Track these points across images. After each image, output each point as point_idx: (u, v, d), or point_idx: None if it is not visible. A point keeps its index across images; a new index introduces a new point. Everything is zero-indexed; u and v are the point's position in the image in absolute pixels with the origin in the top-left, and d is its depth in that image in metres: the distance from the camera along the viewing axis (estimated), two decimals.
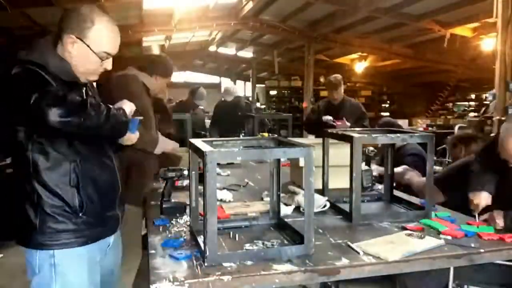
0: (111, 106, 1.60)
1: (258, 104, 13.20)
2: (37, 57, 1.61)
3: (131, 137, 1.78)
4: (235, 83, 17.55)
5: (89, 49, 1.64)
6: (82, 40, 1.63)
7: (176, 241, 1.71)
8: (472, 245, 1.70)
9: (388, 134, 2.23)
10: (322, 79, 14.36)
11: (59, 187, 1.59)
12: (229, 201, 2.35)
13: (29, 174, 1.58)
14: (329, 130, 2.35)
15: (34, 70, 1.55)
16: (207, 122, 6.47)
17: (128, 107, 1.69)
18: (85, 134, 1.57)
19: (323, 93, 13.55)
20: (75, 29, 1.62)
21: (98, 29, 1.64)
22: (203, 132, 5.20)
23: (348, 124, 4.54)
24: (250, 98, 13.98)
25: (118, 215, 1.79)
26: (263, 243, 1.67)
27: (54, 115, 1.42)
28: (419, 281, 2.14)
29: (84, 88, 1.72)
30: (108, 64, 1.72)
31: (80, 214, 1.61)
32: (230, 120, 5.69)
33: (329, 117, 4.64)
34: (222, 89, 6.40)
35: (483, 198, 2.13)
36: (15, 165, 1.65)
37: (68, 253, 1.61)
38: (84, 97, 1.67)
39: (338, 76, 4.96)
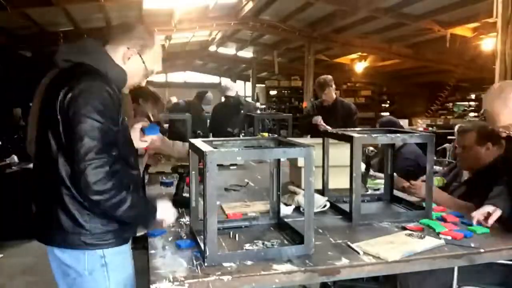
0: (150, 206, 1.68)
1: (258, 104, 13.18)
2: (96, 63, 1.64)
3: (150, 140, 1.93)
4: (235, 83, 17.55)
5: (144, 65, 1.76)
6: (141, 56, 1.74)
7: (189, 242, 1.71)
8: (472, 245, 1.70)
9: (388, 134, 2.23)
10: None
11: None
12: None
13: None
14: (329, 130, 2.35)
15: (97, 74, 1.59)
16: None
17: (165, 217, 1.75)
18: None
19: None
20: (137, 45, 1.73)
21: (155, 50, 1.79)
22: (201, 133, 5.16)
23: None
24: (250, 98, 13.97)
25: None
26: (263, 243, 1.67)
27: (96, 185, 1.46)
28: (422, 282, 2.12)
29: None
30: (145, 81, 1.85)
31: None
32: (231, 121, 5.58)
33: (319, 117, 4.54)
34: (222, 87, 6.22)
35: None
36: (57, 170, 1.58)
37: (115, 252, 1.66)
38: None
39: (327, 77, 4.78)
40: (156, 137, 1.95)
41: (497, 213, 1.90)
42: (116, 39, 1.73)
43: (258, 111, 6.17)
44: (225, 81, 6.33)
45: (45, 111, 1.61)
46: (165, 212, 1.75)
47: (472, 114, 11.55)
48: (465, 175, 2.69)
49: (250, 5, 8.71)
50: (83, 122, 1.48)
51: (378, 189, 2.63)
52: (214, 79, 18.49)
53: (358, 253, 1.60)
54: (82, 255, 1.61)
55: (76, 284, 1.65)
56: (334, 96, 4.79)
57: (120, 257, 1.69)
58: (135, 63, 1.74)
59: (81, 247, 1.60)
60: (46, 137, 1.58)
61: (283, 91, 15.68)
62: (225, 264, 1.49)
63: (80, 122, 1.48)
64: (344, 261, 1.54)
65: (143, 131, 1.96)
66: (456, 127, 2.89)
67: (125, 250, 1.72)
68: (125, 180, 1.58)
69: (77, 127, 1.48)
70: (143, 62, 1.75)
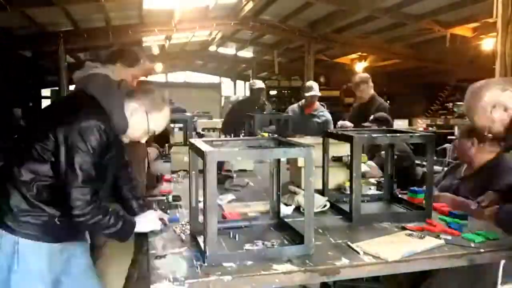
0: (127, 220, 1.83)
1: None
2: (106, 102, 1.82)
3: None
4: (235, 83, 17.56)
5: (147, 124, 1.90)
6: (147, 115, 1.90)
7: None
8: (472, 245, 1.70)
9: (388, 134, 2.23)
10: (322, 79, 14.35)
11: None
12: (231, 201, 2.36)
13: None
14: (329, 130, 2.34)
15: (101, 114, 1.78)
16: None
17: (147, 227, 1.88)
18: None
19: (323, 93, 13.54)
20: (148, 105, 1.90)
21: (162, 114, 1.94)
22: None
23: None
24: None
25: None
26: (263, 243, 1.67)
27: (77, 209, 1.68)
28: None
29: None
30: (144, 139, 2.01)
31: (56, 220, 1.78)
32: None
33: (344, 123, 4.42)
34: (250, 82, 6.07)
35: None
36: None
37: (30, 245, 1.76)
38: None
39: (361, 75, 4.66)
40: None
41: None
42: (136, 94, 1.90)
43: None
44: (254, 80, 6.07)
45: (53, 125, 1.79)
46: (147, 225, 1.87)
47: None
48: (461, 172, 2.70)
49: (250, 5, 8.70)
50: (77, 154, 1.70)
51: (375, 184, 2.65)
52: (214, 79, 18.49)
53: (358, 253, 1.60)
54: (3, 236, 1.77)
55: None
56: (370, 93, 4.57)
57: (34, 254, 1.77)
58: (139, 119, 1.89)
59: (4, 228, 1.76)
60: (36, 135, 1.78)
61: (283, 91, 15.69)
62: (225, 264, 1.49)
63: (76, 153, 1.70)
64: (344, 261, 1.54)
65: None
66: (457, 127, 2.94)
67: (44, 250, 1.79)
68: (105, 206, 1.77)
69: (71, 156, 1.70)
70: (147, 122, 1.89)
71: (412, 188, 2.32)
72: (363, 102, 4.64)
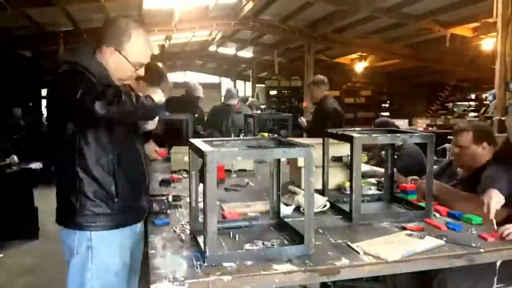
0: (140, 94, 1.74)
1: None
2: (79, 60, 1.78)
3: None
4: (235, 83, 17.55)
5: (126, 60, 1.82)
6: (119, 52, 1.81)
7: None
8: (473, 245, 1.70)
9: (388, 134, 2.23)
10: None
11: (99, 175, 1.76)
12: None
13: (74, 163, 1.74)
14: (329, 130, 2.35)
15: (79, 70, 1.73)
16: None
17: (158, 96, 1.82)
18: (124, 120, 1.77)
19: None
20: (114, 42, 1.80)
21: (134, 42, 1.82)
22: (202, 132, 5.15)
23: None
24: (250, 98, 13.98)
25: (145, 205, 1.99)
26: (263, 243, 1.67)
27: (99, 107, 1.58)
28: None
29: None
30: (141, 71, 1.91)
31: (116, 200, 1.78)
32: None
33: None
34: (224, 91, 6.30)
35: (493, 196, 1.94)
36: (60, 155, 1.79)
37: (103, 235, 1.78)
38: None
39: (316, 77, 5.24)
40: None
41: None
42: (101, 38, 1.82)
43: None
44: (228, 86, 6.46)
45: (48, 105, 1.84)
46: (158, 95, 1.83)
47: (472, 114, 11.55)
48: (460, 173, 2.69)
49: (250, 5, 8.71)
50: (74, 92, 1.60)
51: (375, 184, 2.65)
52: (214, 79, 18.50)
53: (358, 253, 1.60)
54: (73, 233, 1.77)
55: (71, 261, 1.80)
56: (321, 96, 5.12)
57: (105, 242, 1.79)
58: (117, 59, 1.81)
59: (71, 227, 1.77)
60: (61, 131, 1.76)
61: (283, 91, 15.70)
62: (225, 264, 1.49)
63: (74, 93, 1.60)
64: (344, 261, 1.54)
65: None
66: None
67: (115, 236, 1.81)
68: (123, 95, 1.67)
69: (72, 97, 1.60)
70: (125, 57, 1.81)
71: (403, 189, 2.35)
72: (317, 102, 5.22)
